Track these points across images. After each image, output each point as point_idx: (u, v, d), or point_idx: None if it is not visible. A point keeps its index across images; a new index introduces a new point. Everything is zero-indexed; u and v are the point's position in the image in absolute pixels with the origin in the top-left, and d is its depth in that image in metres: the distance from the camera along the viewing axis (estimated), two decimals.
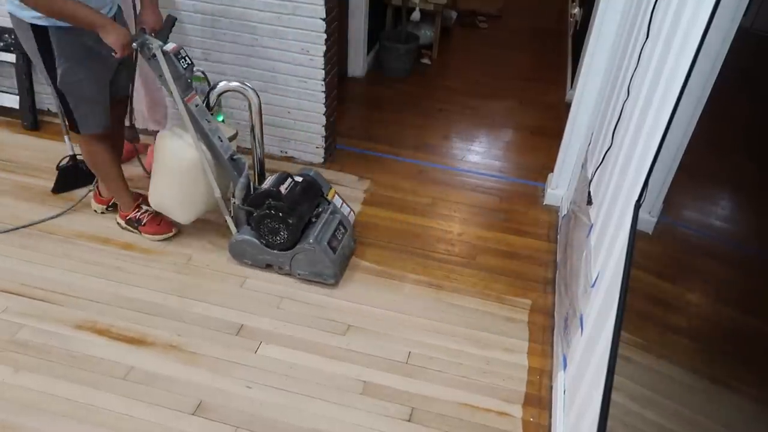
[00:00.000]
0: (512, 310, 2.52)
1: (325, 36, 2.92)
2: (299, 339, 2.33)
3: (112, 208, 2.82)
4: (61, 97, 2.30)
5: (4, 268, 2.53)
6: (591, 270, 1.95)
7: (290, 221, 2.41)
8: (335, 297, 2.52)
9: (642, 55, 1.91)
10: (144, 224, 2.68)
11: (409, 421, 2.08)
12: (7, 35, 3.26)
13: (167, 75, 2.22)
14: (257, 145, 2.66)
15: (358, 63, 4.35)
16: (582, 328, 1.93)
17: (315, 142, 3.26)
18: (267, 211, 2.42)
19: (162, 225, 2.69)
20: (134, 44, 2.16)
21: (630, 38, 2.24)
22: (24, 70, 3.32)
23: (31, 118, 3.40)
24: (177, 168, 2.47)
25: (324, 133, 3.23)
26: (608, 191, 1.96)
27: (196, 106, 2.36)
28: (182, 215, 2.61)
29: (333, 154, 3.41)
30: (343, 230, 2.61)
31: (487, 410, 2.13)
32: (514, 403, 2.16)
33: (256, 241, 2.51)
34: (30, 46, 2.18)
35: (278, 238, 2.46)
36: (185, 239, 2.74)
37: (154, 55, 2.19)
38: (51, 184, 2.97)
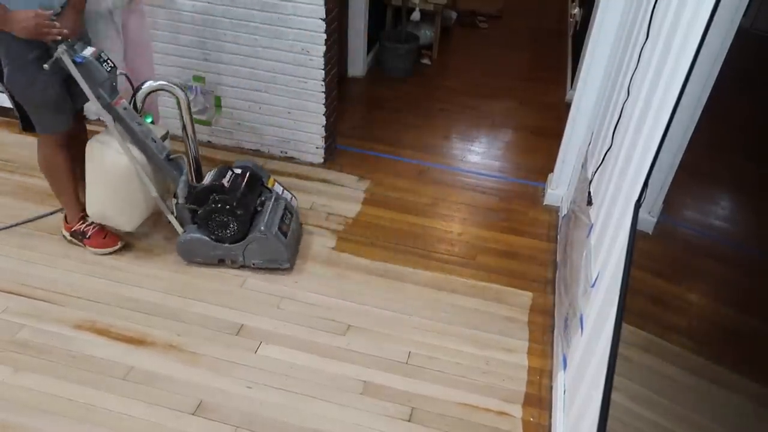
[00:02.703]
0: (512, 310, 2.52)
1: (325, 36, 2.92)
2: (299, 339, 2.33)
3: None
4: (9, 94, 2.27)
5: (4, 268, 2.53)
6: (591, 270, 1.95)
7: (239, 212, 2.42)
8: (335, 297, 2.52)
9: (642, 55, 1.91)
10: (89, 237, 2.60)
11: (409, 421, 2.08)
12: None
13: (77, 77, 2.17)
14: (190, 141, 2.57)
15: (358, 63, 4.35)
16: (582, 328, 1.93)
17: (315, 142, 3.26)
18: (213, 206, 2.42)
19: (108, 239, 2.62)
20: (48, 41, 2.09)
21: (630, 38, 2.25)
22: None
23: None
24: (111, 176, 2.41)
25: (324, 134, 3.23)
26: (608, 191, 1.96)
27: (124, 109, 2.32)
28: (125, 222, 2.55)
29: (333, 155, 3.41)
30: (290, 215, 2.63)
31: (486, 410, 2.13)
32: (514, 403, 2.16)
33: (206, 237, 2.50)
34: None
35: (228, 231, 2.47)
36: None
37: (59, 59, 2.11)
38: None
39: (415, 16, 4.53)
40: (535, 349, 2.37)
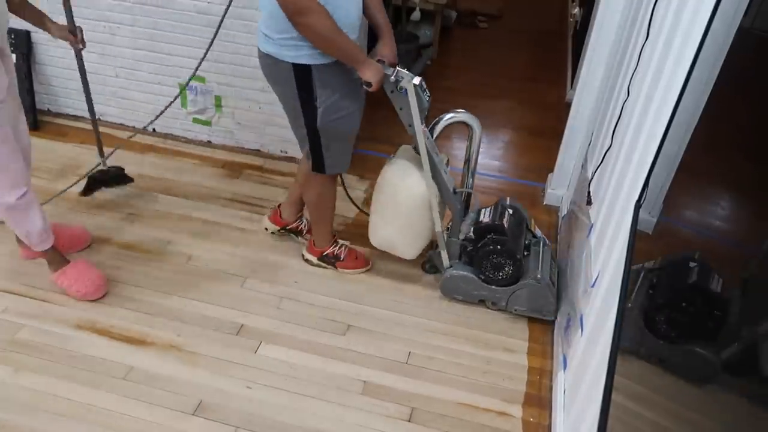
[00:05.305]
0: None
1: None
2: (299, 339, 2.33)
3: (284, 231, 2.75)
4: (315, 137, 2.21)
5: (4, 268, 2.53)
6: (591, 270, 1.95)
7: (518, 257, 2.35)
8: (335, 297, 2.52)
9: (642, 55, 1.91)
10: (342, 260, 2.61)
11: (409, 421, 2.08)
12: (6, 35, 3.26)
13: (414, 108, 2.15)
14: (469, 176, 2.50)
15: None
16: (582, 328, 1.93)
17: None
18: (492, 246, 2.35)
19: (359, 260, 2.64)
20: (391, 78, 2.12)
21: (630, 38, 2.25)
22: (24, 71, 3.32)
23: (31, 118, 3.40)
24: (410, 203, 2.38)
25: None
26: (608, 191, 1.96)
27: (428, 139, 2.28)
28: (410, 251, 2.51)
29: None
30: (554, 263, 2.53)
31: (487, 410, 2.13)
32: (514, 403, 2.16)
33: (473, 276, 2.42)
34: (288, 88, 2.12)
35: (501, 273, 2.38)
36: (185, 239, 2.74)
37: (403, 89, 2.12)
38: (51, 184, 2.97)
39: (415, 15, 4.53)
40: (535, 349, 2.37)
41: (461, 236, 2.45)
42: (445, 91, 4.34)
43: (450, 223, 2.52)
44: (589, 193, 2.28)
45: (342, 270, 2.63)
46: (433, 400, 2.15)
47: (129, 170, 3.02)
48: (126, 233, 2.74)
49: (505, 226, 2.38)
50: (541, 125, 3.93)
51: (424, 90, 2.19)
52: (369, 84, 2.08)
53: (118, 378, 2.14)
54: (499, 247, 2.34)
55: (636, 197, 1.59)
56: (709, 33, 1.37)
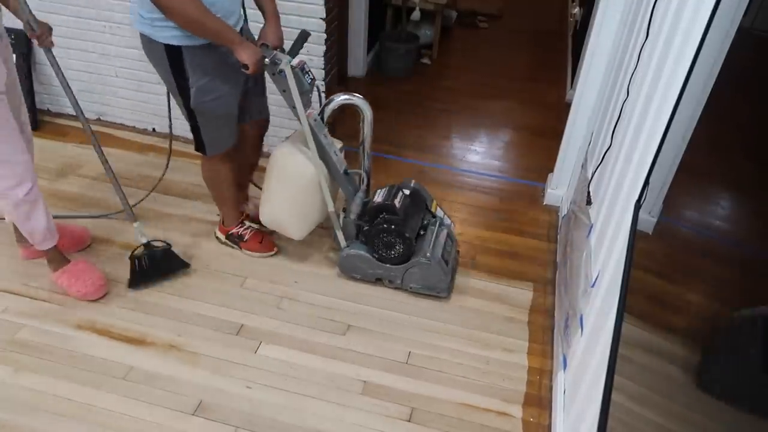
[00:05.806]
0: (512, 310, 2.52)
1: (325, 36, 2.92)
2: (299, 339, 2.33)
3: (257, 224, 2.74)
4: (191, 117, 2.24)
5: (4, 268, 2.53)
6: (591, 270, 1.95)
7: (407, 235, 2.39)
8: (335, 297, 2.52)
9: (642, 55, 1.91)
10: (246, 241, 2.66)
11: (409, 421, 2.08)
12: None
13: (294, 90, 2.17)
14: (365, 157, 2.58)
15: (358, 63, 4.35)
16: (582, 328, 1.93)
17: None
18: (383, 226, 2.40)
19: (264, 243, 2.68)
20: (266, 60, 2.12)
21: (630, 38, 2.25)
22: (24, 71, 3.32)
23: (31, 118, 3.38)
24: (297, 183, 2.41)
25: None
26: (608, 191, 1.96)
27: (315, 120, 2.32)
28: (297, 231, 2.55)
29: None
30: (450, 242, 2.58)
31: (487, 410, 2.13)
32: (514, 403, 2.16)
33: (369, 255, 2.48)
34: (162, 68, 2.14)
35: (393, 252, 2.44)
36: (185, 239, 2.74)
37: (281, 71, 2.14)
38: (51, 184, 2.97)
39: (415, 15, 4.54)
40: (535, 349, 2.37)
41: (353, 215, 2.50)
42: (445, 91, 4.35)
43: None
44: (589, 193, 2.29)
45: (246, 251, 2.67)
46: (433, 400, 2.15)
47: (129, 170, 3.01)
48: (126, 233, 2.74)
49: (397, 206, 2.43)
50: (541, 125, 3.94)
51: (306, 72, 2.22)
52: (246, 66, 2.08)
53: (118, 378, 2.14)
54: (391, 226, 2.39)
55: (636, 197, 1.59)
56: (709, 33, 1.37)
